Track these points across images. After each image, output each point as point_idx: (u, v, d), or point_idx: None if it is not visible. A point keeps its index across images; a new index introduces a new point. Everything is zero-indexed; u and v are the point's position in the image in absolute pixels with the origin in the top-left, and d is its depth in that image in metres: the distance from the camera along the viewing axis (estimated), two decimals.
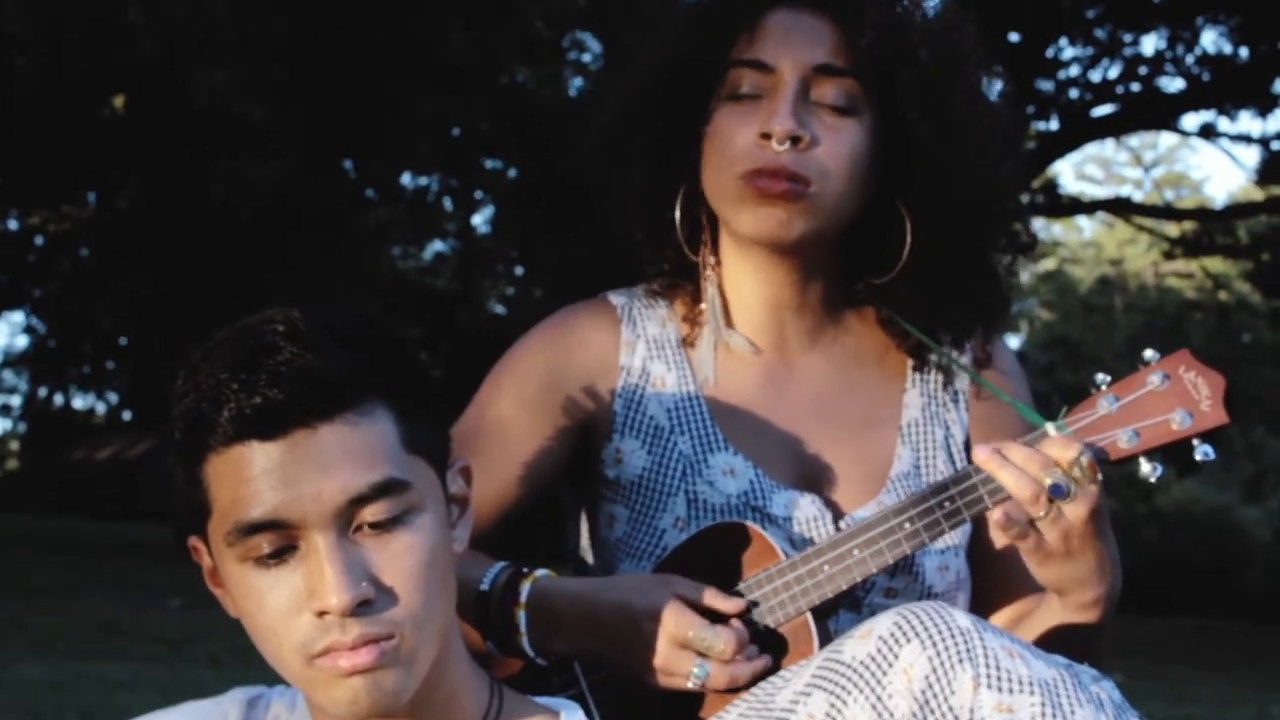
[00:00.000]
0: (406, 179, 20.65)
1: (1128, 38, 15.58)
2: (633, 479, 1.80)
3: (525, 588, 1.65)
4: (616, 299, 1.90)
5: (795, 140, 1.72)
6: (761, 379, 1.85)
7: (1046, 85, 15.67)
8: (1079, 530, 1.54)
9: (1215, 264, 22.11)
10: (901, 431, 1.85)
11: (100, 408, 34.68)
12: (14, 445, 37.21)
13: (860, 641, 1.43)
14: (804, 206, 1.74)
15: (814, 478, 1.80)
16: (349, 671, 1.29)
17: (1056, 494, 1.52)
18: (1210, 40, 15.17)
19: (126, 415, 32.71)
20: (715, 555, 1.69)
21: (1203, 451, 1.58)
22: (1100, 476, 1.55)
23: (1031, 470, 1.54)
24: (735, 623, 1.61)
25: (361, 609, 1.29)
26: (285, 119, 15.17)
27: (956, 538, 1.81)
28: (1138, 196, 33.04)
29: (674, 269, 1.88)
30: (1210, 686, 9.08)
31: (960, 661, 1.38)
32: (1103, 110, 16.39)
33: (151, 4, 12.94)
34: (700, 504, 1.77)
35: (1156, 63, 15.56)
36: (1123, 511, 19.84)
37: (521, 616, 1.64)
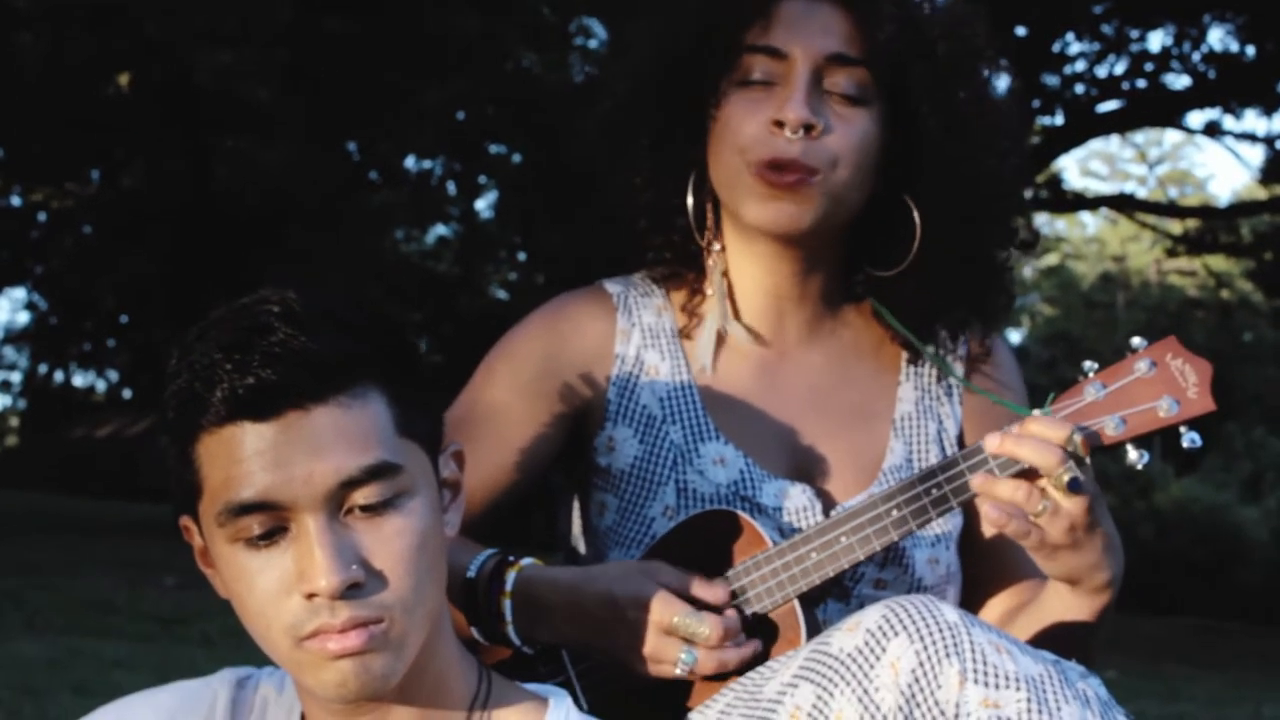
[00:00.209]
0: (410, 162, 20.63)
1: (1134, 34, 15.53)
2: (624, 467, 1.80)
3: (510, 576, 1.65)
4: (612, 287, 1.90)
5: (809, 129, 1.72)
6: (756, 369, 1.85)
7: (1052, 80, 15.63)
8: (1082, 520, 1.53)
9: (1218, 262, 22.10)
10: (895, 424, 1.86)
11: (100, 385, 34.69)
12: (14, 422, 37.24)
13: (848, 634, 1.43)
14: (812, 196, 1.73)
15: (806, 468, 1.80)
16: (338, 654, 1.29)
17: (1075, 487, 1.51)
18: (1217, 38, 15.10)
19: (127, 393, 32.72)
20: (704, 543, 1.69)
21: (1190, 439, 1.57)
22: (1089, 460, 1.55)
23: (1054, 438, 1.52)
24: (723, 609, 1.61)
25: (351, 592, 1.29)
26: (289, 101, 15.15)
27: (947, 530, 1.81)
28: (1142, 193, 33.11)
29: (676, 257, 1.88)
30: (1205, 685, 9.08)
31: (947, 656, 1.38)
32: (1108, 106, 16.35)
33: None
34: (690, 493, 1.77)
35: (1163, 59, 15.51)
36: (1121, 509, 19.82)
37: (507, 605, 1.64)
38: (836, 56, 1.74)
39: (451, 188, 22.52)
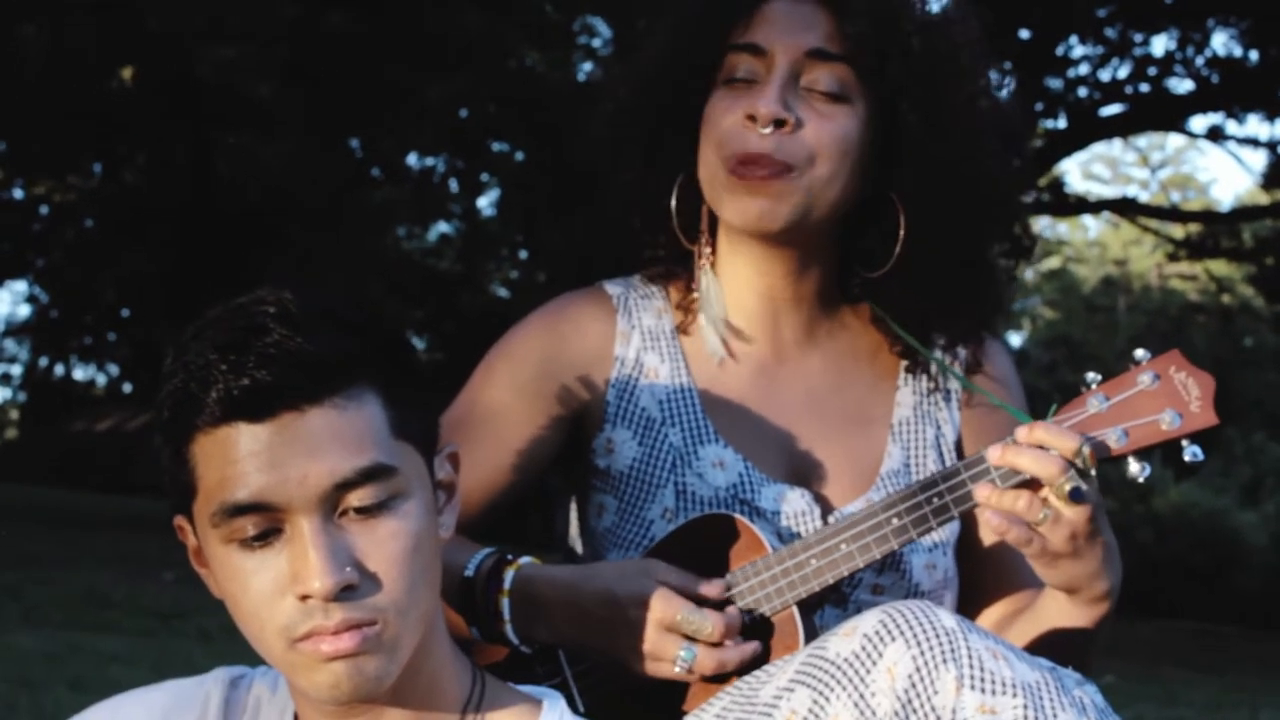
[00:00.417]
0: (412, 159, 20.64)
1: (1138, 38, 15.54)
2: (623, 469, 1.80)
3: (509, 575, 1.64)
4: (613, 288, 1.89)
5: (780, 123, 1.72)
6: (755, 373, 1.84)
7: (1055, 83, 15.63)
8: (1083, 529, 1.53)
9: (1219, 267, 22.11)
10: (892, 429, 1.85)
11: (101, 379, 34.67)
12: (14, 415, 37.23)
13: (845, 639, 1.43)
14: (786, 191, 1.72)
15: (804, 473, 1.80)
16: (331, 656, 1.29)
17: (1076, 497, 1.51)
18: (1220, 42, 15.15)
19: (127, 388, 32.69)
20: (703, 547, 1.68)
21: (1191, 452, 1.57)
22: (1094, 472, 1.55)
23: (1064, 449, 1.52)
24: (723, 607, 1.61)
25: (345, 594, 1.28)
26: (291, 97, 15.16)
27: (945, 535, 1.81)
28: (1144, 197, 33.06)
29: (670, 257, 1.87)
30: (1203, 689, 9.08)
31: (944, 662, 1.37)
32: (1111, 110, 16.35)
33: None
34: (689, 496, 1.77)
35: (1166, 63, 15.51)
36: (1119, 513, 19.83)
37: (505, 604, 1.64)
38: (816, 52, 1.74)
39: (453, 185, 22.54)
